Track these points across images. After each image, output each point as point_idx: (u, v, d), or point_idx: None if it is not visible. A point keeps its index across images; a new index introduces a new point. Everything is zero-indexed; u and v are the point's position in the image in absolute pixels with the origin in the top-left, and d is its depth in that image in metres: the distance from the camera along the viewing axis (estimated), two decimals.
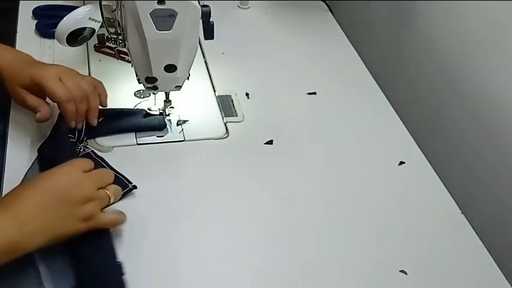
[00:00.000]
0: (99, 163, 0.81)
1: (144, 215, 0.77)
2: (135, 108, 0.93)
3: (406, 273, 0.74)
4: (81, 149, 0.84)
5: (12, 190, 0.64)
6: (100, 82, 0.88)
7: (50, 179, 0.64)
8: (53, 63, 1.00)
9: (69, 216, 0.63)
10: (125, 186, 0.78)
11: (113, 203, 0.70)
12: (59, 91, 0.80)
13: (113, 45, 1.00)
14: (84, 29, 0.90)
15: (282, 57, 1.12)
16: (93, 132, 0.86)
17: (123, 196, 0.76)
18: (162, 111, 0.92)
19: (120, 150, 0.86)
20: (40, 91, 0.82)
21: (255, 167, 0.87)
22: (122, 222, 0.72)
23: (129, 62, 0.89)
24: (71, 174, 0.65)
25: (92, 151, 0.84)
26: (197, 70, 0.96)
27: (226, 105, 0.98)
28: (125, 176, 0.79)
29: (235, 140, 0.91)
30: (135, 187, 0.78)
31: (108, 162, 0.83)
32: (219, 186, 0.83)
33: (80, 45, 0.92)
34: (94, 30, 0.92)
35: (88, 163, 0.69)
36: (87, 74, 1.00)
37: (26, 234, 0.60)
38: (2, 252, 0.58)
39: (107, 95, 0.88)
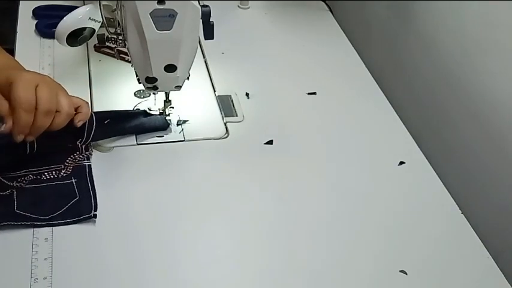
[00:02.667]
0: (86, 180, 0.80)
1: (143, 215, 0.77)
2: (135, 109, 0.93)
3: (406, 273, 0.74)
4: (81, 157, 0.83)
5: None
6: (85, 103, 0.81)
7: None
8: (53, 63, 1.00)
9: None
10: (87, 212, 0.76)
11: None
12: (23, 95, 0.71)
13: (113, 45, 1.00)
14: (84, 29, 0.90)
15: (282, 57, 1.12)
16: (99, 134, 0.85)
17: (81, 221, 0.75)
18: (162, 111, 0.92)
19: (120, 150, 0.86)
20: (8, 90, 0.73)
21: (255, 167, 0.87)
22: None
23: (129, 62, 0.89)
24: None
25: (89, 165, 0.82)
26: (197, 70, 0.96)
27: (226, 105, 0.98)
28: (97, 202, 0.77)
29: (235, 140, 0.91)
30: (95, 216, 0.75)
31: (108, 162, 0.83)
32: (219, 186, 0.83)
33: (80, 45, 0.92)
34: (94, 30, 0.92)
35: None
36: (87, 74, 1.00)
37: None
38: None
39: (87, 117, 0.81)
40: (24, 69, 0.82)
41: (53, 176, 0.80)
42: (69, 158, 0.82)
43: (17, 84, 0.72)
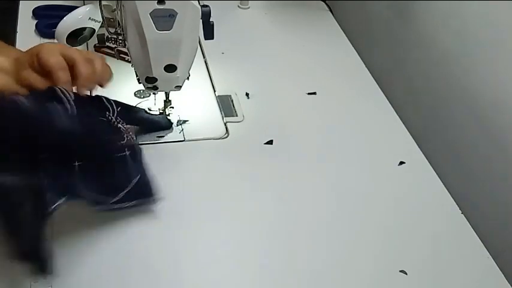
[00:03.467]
0: (135, 153, 0.74)
1: (143, 215, 0.77)
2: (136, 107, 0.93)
3: (406, 273, 0.74)
4: (127, 136, 0.77)
5: None
6: (100, 58, 0.82)
7: None
8: None
9: None
10: (148, 194, 0.75)
11: None
12: (52, 59, 0.76)
13: (113, 45, 1.00)
14: (84, 29, 0.90)
15: (282, 57, 1.12)
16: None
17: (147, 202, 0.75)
18: (162, 111, 0.92)
19: None
20: (40, 67, 0.77)
21: (255, 167, 0.87)
22: None
23: (129, 62, 0.89)
24: None
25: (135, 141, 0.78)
26: (197, 70, 0.96)
27: (226, 105, 0.98)
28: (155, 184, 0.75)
29: (235, 140, 0.91)
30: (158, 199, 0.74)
31: None
32: (219, 186, 0.83)
33: (80, 45, 0.92)
34: (94, 30, 0.92)
35: None
36: None
37: None
38: None
39: (104, 73, 0.81)
40: None
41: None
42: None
43: (42, 53, 0.75)
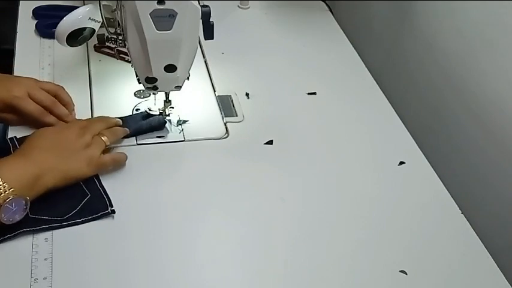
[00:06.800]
0: (92, 179, 0.80)
1: (143, 215, 0.77)
2: (134, 110, 0.93)
3: (406, 273, 0.74)
4: None
5: (27, 140, 0.79)
6: (61, 87, 0.91)
7: (57, 133, 0.81)
8: (53, 63, 1.00)
9: (74, 159, 0.78)
10: (104, 208, 0.76)
11: (111, 144, 0.84)
12: (35, 112, 0.85)
13: (113, 45, 1.00)
14: (84, 29, 0.90)
15: (282, 57, 1.12)
16: None
17: (100, 217, 0.75)
18: (162, 111, 0.92)
19: (120, 150, 0.86)
20: (14, 109, 0.85)
21: (255, 167, 0.87)
22: (123, 161, 0.83)
23: (129, 62, 0.89)
24: (70, 129, 0.82)
25: None
26: (197, 70, 0.96)
27: (226, 105, 0.98)
28: (110, 198, 0.77)
29: (235, 140, 0.91)
30: (113, 212, 0.76)
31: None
32: (219, 186, 0.83)
33: (80, 45, 0.92)
34: (94, 30, 0.92)
35: (85, 121, 0.86)
36: (87, 74, 1.00)
37: (43, 170, 0.74)
38: (29, 185, 0.72)
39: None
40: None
41: None
42: None
43: (20, 106, 0.84)
